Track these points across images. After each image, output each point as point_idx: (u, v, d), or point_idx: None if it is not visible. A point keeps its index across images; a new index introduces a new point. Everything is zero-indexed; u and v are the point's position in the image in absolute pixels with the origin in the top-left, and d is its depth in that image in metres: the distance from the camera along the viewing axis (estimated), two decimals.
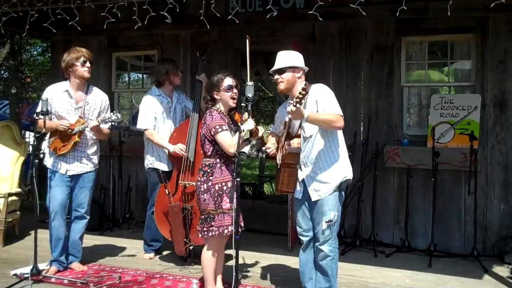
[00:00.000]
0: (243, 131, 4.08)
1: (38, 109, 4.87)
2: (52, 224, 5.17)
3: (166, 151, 5.56)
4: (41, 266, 5.00)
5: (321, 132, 4.12)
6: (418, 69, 7.00)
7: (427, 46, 6.75)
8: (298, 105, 3.73)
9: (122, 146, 7.53)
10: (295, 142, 4.22)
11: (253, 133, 4.27)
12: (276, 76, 4.20)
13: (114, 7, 4.88)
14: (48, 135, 5.26)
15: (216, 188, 4.24)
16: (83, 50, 5.20)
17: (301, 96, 3.73)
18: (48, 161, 5.25)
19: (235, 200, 3.92)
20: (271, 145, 4.38)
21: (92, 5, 5.04)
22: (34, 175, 4.69)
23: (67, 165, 5.20)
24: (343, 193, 4.25)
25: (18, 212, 6.70)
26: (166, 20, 4.77)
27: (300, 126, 4.20)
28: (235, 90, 4.39)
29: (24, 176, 6.81)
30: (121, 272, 5.28)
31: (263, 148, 4.40)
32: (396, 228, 6.47)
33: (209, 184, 4.26)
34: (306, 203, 4.29)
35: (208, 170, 4.30)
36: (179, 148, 5.36)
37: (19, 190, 6.75)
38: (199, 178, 4.36)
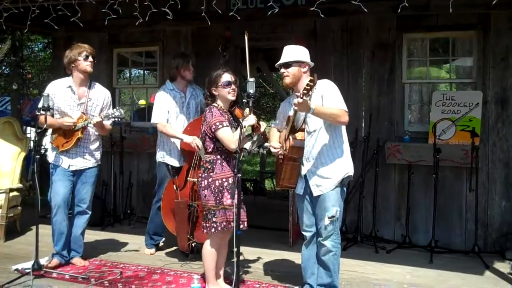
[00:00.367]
0: (245, 126, 4.07)
1: (40, 105, 4.88)
2: (54, 219, 5.18)
3: (178, 145, 5.54)
4: (42, 261, 5.01)
5: (325, 127, 4.13)
6: (419, 66, 7.01)
7: (429, 43, 6.76)
8: (304, 97, 3.74)
9: (123, 142, 7.53)
10: (299, 135, 4.21)
11: (255, 128, 4.26)
12: (282, 70, 4.21)
13: (115, 4, 4.88)
14: (50, 131, 5.27)
15: (217, 184, 4.25)
16: (85, 46, 5.20)
17: (308, 87, 3.72)
18: (51, 156, 5.25)
19: (236, 196, 3.92)
20: (277, 145, 4.34)
21: (93, 1, 5.04)
22: (35, 171, 4.70)
23: (70, 160, 5.21)
24: (345, 189, 4.27)
25: (19, 208, 6.71)
26: (168, 17, 4.77)
27: (305, 120, 4.20)
28: (233, 86, 4.37)
29: (26, 172, 6.80)
30: (122, 268, 5.29)
31: (266, 144, 4.40)
32: (397, 224, 6.48)
33: (210, 180, 4.26)
34: (308, 199, 4.30)
35: (209, 166, 4.30)
36: (195, 143, 5.11)
37: (20, 185, 6.77)
38: (200, 174, 4.37)
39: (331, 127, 4.14)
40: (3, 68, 16.26)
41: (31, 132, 11.30)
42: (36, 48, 18.24)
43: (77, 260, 5.35)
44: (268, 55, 10.03)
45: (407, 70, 6.67)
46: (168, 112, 5.62)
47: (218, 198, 4.22)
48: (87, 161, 5.31)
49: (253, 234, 6.32)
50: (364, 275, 5.20)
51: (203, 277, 4.60)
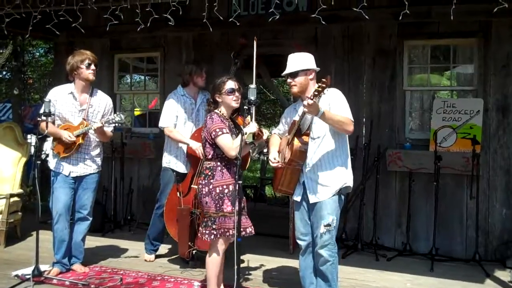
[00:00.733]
0: (246, 133, 4.07)
1: (41, 111, 4.89)
2: (56, 227, 5.17)
3: (185, 150, 5.52)
4: (42, 267, 5.00)
5: (330, 135, 4.13)
6: (420, 73, 7.01)
7: (430, 50, 6.76)
8: (315, 98, 3.74)
9: (124, 148, 7.54)
10: (306, 138, 4.20)
11: (256, 136, 4.25)
12: (289, 80, 4.21)
13: (117, 9, 4.89)
14: (51, 138, 5.27)
15: (217, 191, 4.23)
16: (87, 53, 5.21)
17: (320, 89, 3.71)
18: (52, 163, 5.25)
19: (237, 202, 3.91)
20: (275, 157, 4.31)
21: (95, 7, 5.05)
22: (36, 176, 4.71)
23: (71, 166, 5.21)
24: (343, 197, 4.24)
25: (19, 213, 6.71)
26: (169, 23, 4.78)
27: (309, 126, 4.20)
28: (237, 94, 4.37)
29: (26, 177, 6.82)
30: (123, 274, 5.28)
31: (265, 150, 4.39)
32: (398, 231, 6.47)
33: (210, 187, 4.25)
34: (305, 206, 4.29)
35: (209, 173, 4.29)
36: (200, 151, 5.08)
37: (21, 191, 6.76)
38: (200, 181, 4.36)
39: (335, 135, 4.14)
40: (4, 73, 16.29)
41: (31, 138, 11.31)
42: (38, 54, 18.30)
43: (78, 267, 5.34)
44: (269, 61, 10.03)
45: (408, 77, 6.67)
46: (176, 117, 5.62)
47: (218, 205, 4.21)
48: (88, 167, 5.30)
49: (253, 241, 6.30)
50: (365, 283, 5.18)
51: (204, 284, 4.58)
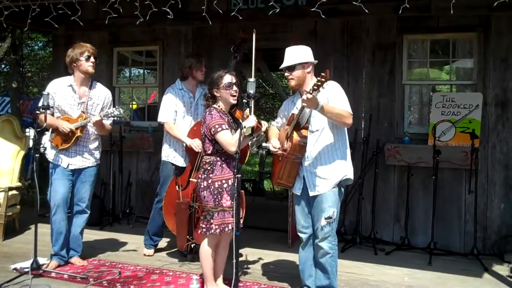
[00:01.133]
0: (244, 127, 4.06)
1: (40, 104, 4.88)
2: (53, 218, 5.17)
3: (184, 144, 5.54)
4: (41, 260, 5.00)
5: (328, 128, 4.13)
6: (419, 67, 7.00)
7: (429, 44, 6.74)
8: (314, 92, 3.73)
9: (122, 141, 7.52)
10: (305, 132, 4.20)
11: (255, 129, 4.24)
12: (286, 74, 4.22)
13: (116, 3, 4.86)
14: (50, 130, 5.26)
15: (216, 185, 4.23)
16: (87, 45, 5.20)
17: (319, 83, 3.71)
18: (50, 155, 5.25)
19: (236, 196, 3.91)
20: (276, 144, 4.31)
21: (94, 0, 5.02)
22: (34, 169, 4.70)
23: (69, 159, 5.21)
24: (342, 190, 4.25)
25: (18, 206, 6.71)
26: (168, 16, 4.76)
27: (308, 119, 4.19)
28: (235, 88, 4.36)
29: (25, 171, 6.81)
30: (121, 267, 5.29)
31: (265, 144, 4.39)
32: (396, 225, 6.47)
33: (209, 181, 4.25)
34: (306, 199, 4.30)
35: (208, 168, 4.29)
36: (196, 144, 5.24)
37: (19, 184, 6.75)
38: (199, 176, 4.36)
39: (334, 128, 4.14)
40: (3, 66, 16.25)
41: (30, 131, 11.31)
42: (36, 47, 18.26)
43: (76, 260, 5.35)
44: (268, 55, 10.03)
45: (407, 71, 6.66)
46: (175, 112, 5.62)
47: (217, 200, 4.21)
48: (86, 160, 5.30)
49: (252, 235, 6.35)
50: (363, 277, 5.19)
51: (202, 277, 4.59)
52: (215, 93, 4.37)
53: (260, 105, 19.64)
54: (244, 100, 4.06)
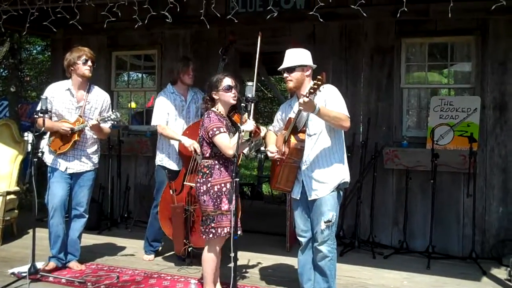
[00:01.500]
0: (243, 131, 4.06)
1: (38, 108, 4.88)
2: (51, 222, 5.17)
3: (177, 147, 5.52)
4: (39, 265, 4.97)
5: (326, 131, 4.13)
6: (418, 70, 7.00)
7: (427, 48, 6.75)
8: (311, 96, 3.73)
9: (121, 145, 7.52)
10: (302, 136, 4.20)
11: (254, 133, 4.24)
12: (285, 75, 4.21)
13: (115, 6, 4.88)
14: (47, 134, 5.26)
15: (215, 189, 4.23)
16: (85, 49, 5.21)
17: (316, 86, 3.71)
18: (48, 159, 5.25)
19: (233, 200, 3.91)
20: (273, 149, 4.31)
21: (92, 4, 5.04)
22: (32, 174, 4.69)
23: (67, 163, 5.20)
24: (341, 193, 4.25)
25: (16, 211, 6.69)
26: (166, 20, 4.76)
27: (305, 123, 4.19)
28: (234, 91, 4.37)
29: (23, 175, 6.81)
30: (119, 272, 5.27)
31: (263, 148, 4.38)
32: (395, 229, 6.47)
33: (208, 185, 4.24)
34: (305, 203, 4.29)
35: (207, 172, 4.29)
36: (193, 147, 5.18)
37: (17, 188, 6.73)
38: (198, 180, 4.35)
39: (331, 131, 4.14)
40: (1, 70, 16.27)
41: (28, 135, 11.31)
42: (35, 51, 18.28)
43: (74, 264, 5.33)
44: (266, 59, 10.01)
45: (405, 75, 6.67)
46: (168, 114, 5.62)
47: (216, 204, 4.21)
48: (84, 164, 5.30)
49: (250, 239, 6.33)
50: (361, 281, 5.18)
51: (200, 281, 4.58)
52: (214, 96, 4.37)
53: (258, 109, 19.66)
54: (242, 104, 4.06)
